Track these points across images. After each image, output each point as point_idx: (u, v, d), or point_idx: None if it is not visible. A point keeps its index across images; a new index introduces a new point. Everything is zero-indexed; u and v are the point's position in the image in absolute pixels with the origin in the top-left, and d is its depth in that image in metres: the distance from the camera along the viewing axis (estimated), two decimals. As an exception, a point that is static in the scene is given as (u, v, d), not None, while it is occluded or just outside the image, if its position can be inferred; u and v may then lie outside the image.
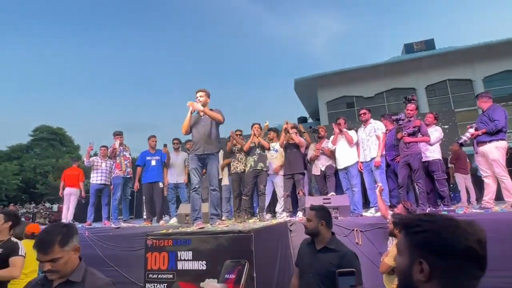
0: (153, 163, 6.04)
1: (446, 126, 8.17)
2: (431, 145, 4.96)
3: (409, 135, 4.65)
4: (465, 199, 5.98)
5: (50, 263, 1.38)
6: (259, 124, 5.47)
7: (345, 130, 5.22)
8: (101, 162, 6.40)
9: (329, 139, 5.70)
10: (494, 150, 4.17)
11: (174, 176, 6.28)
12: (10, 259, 2.55)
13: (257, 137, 5.23)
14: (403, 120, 4.74)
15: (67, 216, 6.68)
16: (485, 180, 4.37)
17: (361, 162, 5.10)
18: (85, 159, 6.38)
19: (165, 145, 6.33)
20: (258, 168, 5.12)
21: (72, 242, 1.46)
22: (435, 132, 5.10)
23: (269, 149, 5.42)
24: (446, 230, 0.73)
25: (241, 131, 6.05)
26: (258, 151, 5.23)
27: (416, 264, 0.74)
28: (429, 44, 20.95)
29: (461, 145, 4.54)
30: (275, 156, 5.52)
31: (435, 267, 0.72)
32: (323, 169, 5.61)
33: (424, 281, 0.73)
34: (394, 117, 4.97)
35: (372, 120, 5.17)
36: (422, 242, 0.75)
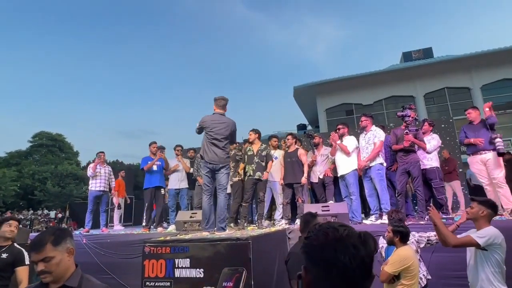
0: (154, 168, 6.05)
1: (445, 134, 8.18)
2: (428, 153, 4.96)
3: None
4: (463, 207, 5.98)
5: (43, 263, 1.37)
6: (255, 130, 5.45)
7: (339, 142, 5.20)
8: (100, 169, 6.41)
9: (326, 145, 5.76)
10: (497, 157, 4.35)
11: (176, 181, 6.29)
12: (17, 268, 2.63)
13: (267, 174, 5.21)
14: (409, 116, 4.72)
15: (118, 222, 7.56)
16: (488, 188, 4.46)
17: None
18: (91, 170, 6.36)
19: (161, 150, 6.33)
20: (256, 177, 5.14)
21: (65, 243, 1.45)
22: (433, 141, 5.11)
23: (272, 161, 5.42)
24: (319, 237, 0.73)
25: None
26: (256, 159, 5.23)
27: (303, 270, 0.75)
28: (427, 52, 21.15)
29: (502, 154, 4.52)
30: (275, 164, 5.54)
31: (311, 274, 0.72)
32: (321, 176, 5.62)
33: None
34: (399, 113, 4.87)
35: (373, 127, 5.08)
36: (304, 251, 0.75)
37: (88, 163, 6.74)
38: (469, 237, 2.46)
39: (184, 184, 6.38)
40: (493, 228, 2.44)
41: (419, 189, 4.61)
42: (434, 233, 2.90)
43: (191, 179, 6.41)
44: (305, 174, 5.27)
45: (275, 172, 5.53)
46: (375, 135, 4.97)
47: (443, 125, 8.35)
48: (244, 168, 5.34)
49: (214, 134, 4.15)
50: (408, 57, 21.58)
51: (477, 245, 2.40)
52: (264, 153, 5.25)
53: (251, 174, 5.17)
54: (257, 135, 5.44)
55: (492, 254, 2.37)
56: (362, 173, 5.05)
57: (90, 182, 6.38)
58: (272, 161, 5.35)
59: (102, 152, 6.65)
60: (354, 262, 0.67)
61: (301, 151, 5.48)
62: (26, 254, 2.71)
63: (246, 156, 5.36)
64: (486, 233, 2.39)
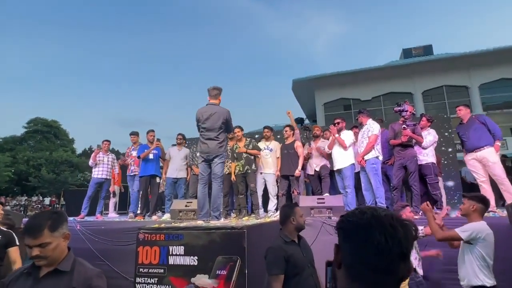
0: (151, 156, 6.02)
1: (443, 132, 8.21)
2: (424, 148, 4.97)
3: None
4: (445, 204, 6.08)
5: (39, 248, 1.35)
6: (240, 127, 5.60)
7: (337, 135, 5.21)
8: (103, 157, 6.46)
9: (324, 138, 5.75)
10: (494, 153, 4.35)
11: (174, 170, 6.27)
12: (9, 249, 2.75)
13: (245, 150, 5.35)
14: (406, 111, 4.72)
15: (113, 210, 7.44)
16: (483, 185, 4.45)
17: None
18: (91, 160, 6.47)
19: (158, 139, 6.33)
20: (244, 171, 5.31)
21: (61, 228, 1.44)
22: (429, 136, 5.10)
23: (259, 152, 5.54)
24: (355, 214, 0.71)
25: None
26: (244, 155, 5.38)
27: (335, 248, 0.74)
28: (427, 49, 21.09)
29: None
30: (269, 155, 5.57)
31: (343, 252, 0.71)
32: (317, 169, 5.62)
33: (337, 267, 0.73)
34: (397, 109, 4.86)
35: (369, 121, 5.09)
36: (339, 227, 0.74)
37: (85, 150, 6.82)
38: (453, 231, 2.54)
39: (182, 174, 6.35)
40: (480, 223, 2.51)
41: (414, 184, 4.63)
42: (421, 227, 2.99)
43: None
44: (299, 167, 5.30)
45: (271, 163, 5.55)
46: (368, 129, 4.98)
47: (440, 123, 8.37)
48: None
49: (205, 125, 4.15)
50: (408, 54, 21.52)
51: (460, 239, 2.50)
52: (250, 146, 5.41)
53: (241, 169, 5.34)
54: (243, 132, 5.69)
55: (477, 247, 2.45)
56: (360, 168, 5.07)
57: (93, 169, 6.47)
58: (260, 150, 5.49)
59: (107, 141, 6.65)
60: (390, 241, 0.64)
61: (297, 143, 5.49)
62: (15, 235, 2.83)
63: (235, 154, 5.46)
64: (470, 227, 2.48)
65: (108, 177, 6.48)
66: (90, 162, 6.50)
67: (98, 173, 6.37)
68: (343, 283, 0.71)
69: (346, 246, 0.71)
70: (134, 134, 6.56)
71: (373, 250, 0.65)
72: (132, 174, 6.34)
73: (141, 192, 6.04)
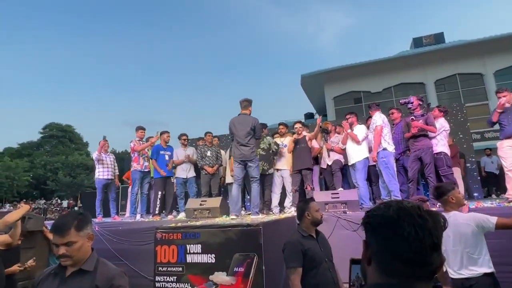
0: (166, 157, 6.07)
1: (457, 122, 8.03)
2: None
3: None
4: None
5: (65, 247, 1.41)
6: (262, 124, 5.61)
7: (349, 130, 5.18)
8: (105, 157, 6.41)
9: (338, 133, 5.72)
10: None
11: (184, 171, 6.31)
12: None
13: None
14: (411, 103, 4.67)
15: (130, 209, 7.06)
16: (510, 174, 4.27)
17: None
18: (97, 152, 6.36)
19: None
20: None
21: (86, 229, 1.50)
22: (436, 124, 4.99)
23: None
24: (381, 208, 0.69)
25: None
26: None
27: (364, 245, 0.73)
28: (438, 37, 20.57)
29: None
30: (285, 151, 5.57)
31: (371, 247, 0.70)
32: (329, 163, 5.61)
33: (367, 264, 0.71)
34: (402, 101, 4.87)
35: (375, 114, 5.07)
36: (365, 222, 0.72)
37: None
38: None
39: (192, 174, 6.38)
40: None
41: (430, 175, 4.55)
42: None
43: (198, 168, 6.39)
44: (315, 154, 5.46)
45: (285, 159, 5.54)
46: (373, 122, 5.01)
47: (454, 111, 8.20)
48: None
49: (237, 136, 4.61)
50: (419, 43, 21.03)
51: None
52: (266, 146, 5.49)
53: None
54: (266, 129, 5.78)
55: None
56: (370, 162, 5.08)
57: (97, 170, 6.38)
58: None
59: (106, 141, 6.55)
60: (420, 231, 0.62)
61: (309, 136, 5.48)
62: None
63: None
64: None
65: (112, 178, 6.46)
66: (95, 154, 6.35)
67: (103, 174, 6.31)
68: (375, 279, 0.69)
69: (374, 241, 0.69)
70: (142, 129, 6.42)
71: (403, 242, 0.63)
72: (146, 170, 6.21)
73: (160, 193, 6.06)
